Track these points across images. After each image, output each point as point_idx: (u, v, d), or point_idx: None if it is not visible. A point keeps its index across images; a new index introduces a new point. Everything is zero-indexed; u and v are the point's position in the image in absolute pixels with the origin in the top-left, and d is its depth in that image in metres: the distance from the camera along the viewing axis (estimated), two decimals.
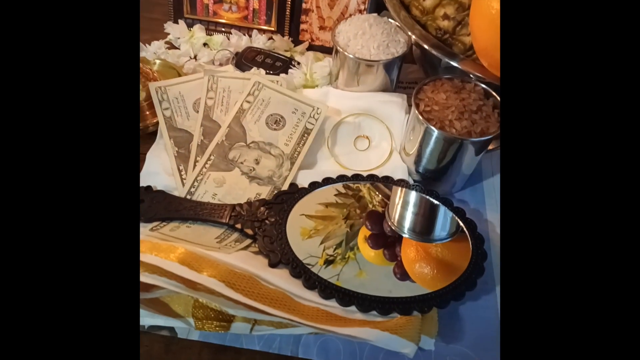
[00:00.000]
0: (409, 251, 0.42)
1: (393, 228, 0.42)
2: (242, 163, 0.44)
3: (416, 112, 0.40)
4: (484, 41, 0.35)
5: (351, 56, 0.46)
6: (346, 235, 0.43)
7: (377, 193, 0.45)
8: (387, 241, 0.41)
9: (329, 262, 0.39)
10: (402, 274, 0.39)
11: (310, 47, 0.58)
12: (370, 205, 0.44)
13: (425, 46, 0.43)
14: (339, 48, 0.46)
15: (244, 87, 0.48)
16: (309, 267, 0.39)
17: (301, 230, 0.41)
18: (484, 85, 0.42)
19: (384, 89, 0.49)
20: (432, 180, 0.45)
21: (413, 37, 0.44)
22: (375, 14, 0.49)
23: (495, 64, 0.37)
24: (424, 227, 0.44)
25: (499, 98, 0.42)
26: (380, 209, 0.44)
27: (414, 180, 0.46)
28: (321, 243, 0.40)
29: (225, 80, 0.48)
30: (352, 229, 0.42)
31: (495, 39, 0.34)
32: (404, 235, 0.42)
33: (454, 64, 0.42)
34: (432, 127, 0.39)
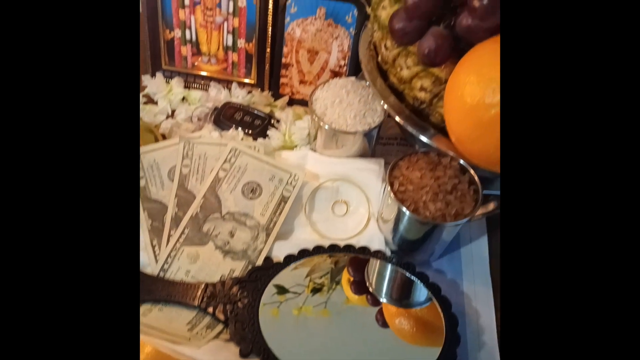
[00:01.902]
0: (390, 305, 0.42)
1: (371, 290, 0.43)
2: (216, 236, 0.43)
3: (390, 192, 0.40)
4: (459, 132, 0.35)
5: (327, 127, 0.45)
6: (331, 271, 0.44)
7: None
8: (370, 288, 0.43)
9: (316, 290, 0.41)
10: (384, 323, 0.41)
11: (291, 100, 0.57)
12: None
13: (398, 118, 0.43)
14: (315, 117, 0.46)
15: (220, 153, 0.47)
16: (296, 295, 0.41)
17: None
18: (461, 161, 0.42)
19: (362, 154, 0.49)
20: (409, 250, 0.45)
21: (386, 106, 0.44)
22: (353, 78, 0.49)
23: (470, 154, 0.36)
24: (401, 295, 0.44)
25: (475, 175, 0.41)
26: (362, 255, 0.44)
27: (391, 251, 0.45)
28: (307, 275, 0.42)
29: (201, 146, 0.47)
30: (336, 266, 0.44)
31: (470, 131, 0.34)
32: (381, 299, 0.42)
33: (427, 140, 0.41)
34: (405, 210, 0.39)
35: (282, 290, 0.42)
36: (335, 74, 0.56)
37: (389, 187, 0.40)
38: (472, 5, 0.31)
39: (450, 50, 0.36)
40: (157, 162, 0.47)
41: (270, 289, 0.41)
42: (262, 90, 0.57)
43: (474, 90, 0.32)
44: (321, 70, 0.56)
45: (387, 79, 0.47)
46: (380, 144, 0.56)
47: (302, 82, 0.57)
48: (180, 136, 0.48)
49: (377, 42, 0.46)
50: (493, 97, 0.31)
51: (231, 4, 0.53)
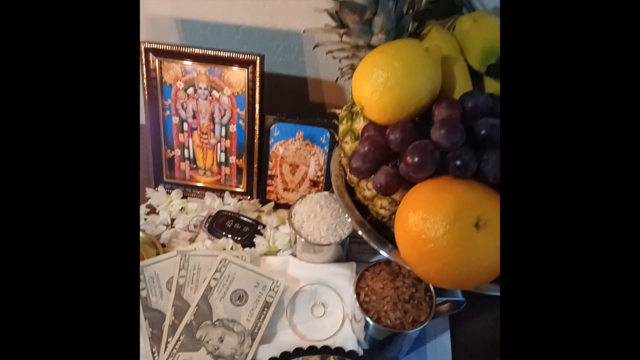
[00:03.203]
0: None
1: None
2: (207, 342, 0.49)
3: (356, 302, 0.46)
4: (405, 256, 0.42)
5: (303, 240, 0.52)
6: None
7: None
8: None
9: None
10: None
11: (276, 205, 0.65)
12: None
13: (360, 232, 0.50)
14: (294, 230, 0.53)
15: (212, 263, 0.54)
16: None
17: None
18: None
19: (337, 259, 0.56)
20: (379, 348, 0.50)
21: (349, 220, 0.51)
22: (327, 193, 0.57)
23: (416, 273, 0.43)
24: None
25: (430, 284, 0.48)
26: (337, 356, 0.49)
27: (364, 349, 0.51)
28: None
29: (196, 258, 0.54)
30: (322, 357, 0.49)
31: (413, 258, 0.41)
32: None
33: (385, 254, 0.48)
34: (369, 320, 0.45)
35: None
36: (314, 183, 0.64)
37: (356, 298, 0.47)
38: (406, 160, 0.40)
39: (398, 185, 0.44)
40: (157, 273, 0.53)
41: None
42: (251, 198, 0.65)
43: (413, 227, 0.39)
44: (302, 180, 0.64)
45: (354, 194, 0.55)
46: (356, 242, 0.63)
47: (285, 189, 0.65)
48: (177, 250, 0.55)
49: (345, 166, 0.54)
50: (428, 234, 0.38)
51: (223, 129, 0.62)
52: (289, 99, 0.69)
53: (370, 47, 0.46)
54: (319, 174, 0.63)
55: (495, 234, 0.38)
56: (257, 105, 0.60)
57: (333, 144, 0.61)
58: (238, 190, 0.66)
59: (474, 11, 0.52)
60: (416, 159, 0.39)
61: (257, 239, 0.58)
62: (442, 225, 0.38)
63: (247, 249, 0.57)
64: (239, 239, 0.59)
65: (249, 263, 0.54)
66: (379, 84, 0.40)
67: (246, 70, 0.58)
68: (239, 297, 0.52)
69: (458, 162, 0.38)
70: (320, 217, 0.54)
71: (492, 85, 0.47)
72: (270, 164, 0.64)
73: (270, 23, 0.62)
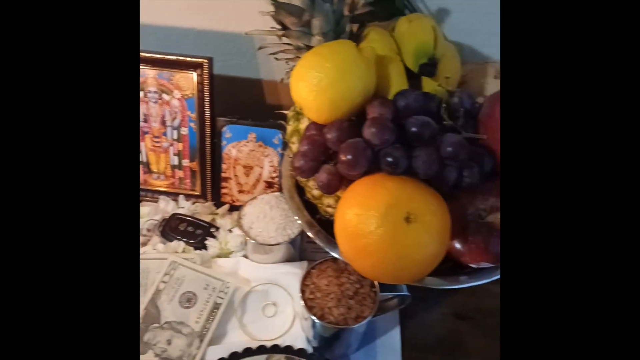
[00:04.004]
0: None
1: None
2: (155, 345, 0.49)
3: (301, 300, 0.47)
4: (344, 251, 0.43)
5: (252, 241, 0.53)
6: None
7: None
8: None
9: None
10: None
11: (232, 207, 0.65)
12: None
13: (310, 234, 0.50)
14: (243, 231, 0.54)
15: (161, 266, 0.54)
16: None
17: None
18: None
19: (289, 258, 0.56)
20: (327, 346, 0.51)
21: (299, 221, 0.52)
22: (278, 194, 0.58)
23: (356, 269, 0.44)
24: None
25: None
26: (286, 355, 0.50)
27: (313, 347, 0.51)
28: None
29: (144, 261, 0.54)
30: None
31: (349, 253, 0.42)
32: None
33: (334, 254, 0.49)
34: (313, 317, 0.46)
35: None
36: (269, 184, 0.64)
37: (301, 296, 0.47)
38: (340, 158, 0.41)
39: (339, 183, 0.45)
40: None
41: None
42: (206, 200, 0.65)
43: (348, 223, 0.40)
44: (256, 181, 0.64)
45: (304, 194, 0.55)
46: (310, 242, 0.63)
47: (240, 191, 0.65)
48: None
49: None
50: (362, 229, 0.39)
51: (175, 132, 0.62)
52: (243, 101, 0.69)
53: (310, 48, 0.47)
54: (274, 175, 0.64)
55: (426, 228, 0.39)
56: (207, 108, 0.60)
57: (286, 145, 0.61)
58: (193, 193, 0.66)
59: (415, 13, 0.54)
60: (349, 157, 0.40)
61: (209, 241, 0.58)
62: (374, 221, 0.39)
63: (198, 251, 0.57)
64: (191, 241, 0.59)
65: (200, 265, 0.54)
66: (314, 85, 0.41)
67: (195, 73, 0.58)
68: (188, 300, 0.52)
69: (389, 159, 0.39)
70: (270, 217, 0.54)
71: (430, 85, 0.48)
72: (224, 166, 0.64)
73: (221, 26, 0.63)
